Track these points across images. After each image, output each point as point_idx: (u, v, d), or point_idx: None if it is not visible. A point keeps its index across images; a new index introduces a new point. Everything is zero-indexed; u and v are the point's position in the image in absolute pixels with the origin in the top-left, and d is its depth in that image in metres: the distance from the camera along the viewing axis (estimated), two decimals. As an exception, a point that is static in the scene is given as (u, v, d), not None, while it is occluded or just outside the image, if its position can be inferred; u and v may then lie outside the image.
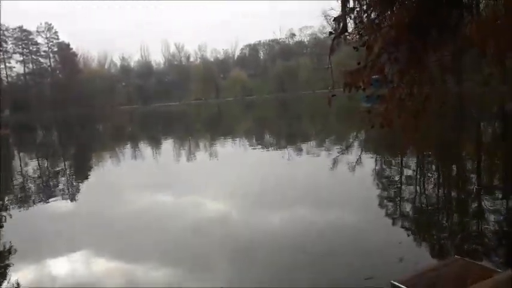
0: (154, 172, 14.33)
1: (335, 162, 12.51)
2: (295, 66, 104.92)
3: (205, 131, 32.01)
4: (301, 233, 6.79)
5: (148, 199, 10.35)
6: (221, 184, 11.19)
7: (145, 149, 21.61)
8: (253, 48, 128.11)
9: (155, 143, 24.27)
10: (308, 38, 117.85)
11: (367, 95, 3.55)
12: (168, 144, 23.01)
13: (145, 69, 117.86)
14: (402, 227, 6.69)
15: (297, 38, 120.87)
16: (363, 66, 3.04)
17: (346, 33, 3.15)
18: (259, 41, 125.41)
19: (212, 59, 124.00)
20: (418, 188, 9.23)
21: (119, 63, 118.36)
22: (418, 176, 10.37)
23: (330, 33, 3.22)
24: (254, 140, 21.85)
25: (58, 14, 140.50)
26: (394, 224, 6.89)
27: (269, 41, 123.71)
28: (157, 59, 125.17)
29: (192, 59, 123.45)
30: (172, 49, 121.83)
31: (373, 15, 3.07)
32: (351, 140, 18.77)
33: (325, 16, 76.51)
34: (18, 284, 5.58)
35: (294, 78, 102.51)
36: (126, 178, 13.57)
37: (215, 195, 10.03)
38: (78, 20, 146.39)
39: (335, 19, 3.12)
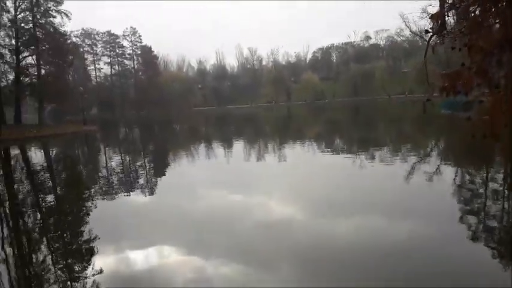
0: (225, 171, 14.68)
1: (410, 171, 11.80)
2: (370, 69, 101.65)
3: (275, 133, 32.17)
4: (368, 244, 6.49)
5: (219, 197, 10.61)
6: (288, 187, 11.13)
7: (218, 149, 22.25)
8: (326, 51, 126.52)
9: (227, 144, 24.91)
10: (384, 41, 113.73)
11: (463, 101, 3.24)
12: (239, 145, 23.49)
13: (220, 72, 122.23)
14: (488, 248, 6.07)
15: (372, 41, 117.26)
16: (465, 68, 2.75)
17: (445, 32, 2.88)
18: (333, 44, 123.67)
19: (284, 63, 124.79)
20: (506, 204, 8.35)
21: (196, 66, 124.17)
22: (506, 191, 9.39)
23: (426, 31, 2.97)
24: (324, 144, 21.48)
25: (138, 16, 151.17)
26: (476, 244, 6.28)
27: (343, 44, 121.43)
28: (231, 62, 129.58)
29: (264, 63, 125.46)
30: (246, 53, 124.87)
31: (477, 12, 2.78)
32: (429, 148, 17.65)
33: (402, 18, 73.03)
34: (101, 269, 5.99)
35: (368, 82, 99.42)
36: (199, 176, 14.06)
37: (282, 197, 9.99)
38: (155, 22, 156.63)
39: (432, 16, 2.86)
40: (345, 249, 6.33)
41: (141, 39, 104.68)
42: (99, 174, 16.45)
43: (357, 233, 7.07)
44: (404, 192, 9.73)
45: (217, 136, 32.55)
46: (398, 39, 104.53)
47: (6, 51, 48.81)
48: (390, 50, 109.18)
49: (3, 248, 7.44)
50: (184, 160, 18.45)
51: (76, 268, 6.27)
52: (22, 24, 49.19)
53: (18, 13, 48.47)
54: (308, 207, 8.98)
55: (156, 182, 13.56)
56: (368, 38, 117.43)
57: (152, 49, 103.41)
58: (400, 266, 5.59)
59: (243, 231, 7.52)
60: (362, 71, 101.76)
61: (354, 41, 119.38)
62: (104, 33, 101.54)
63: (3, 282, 5.72)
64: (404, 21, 76.74)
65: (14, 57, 48.72)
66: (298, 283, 5.33)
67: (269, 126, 43.25)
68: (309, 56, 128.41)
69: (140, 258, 6.50)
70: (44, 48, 50.29)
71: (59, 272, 6.08)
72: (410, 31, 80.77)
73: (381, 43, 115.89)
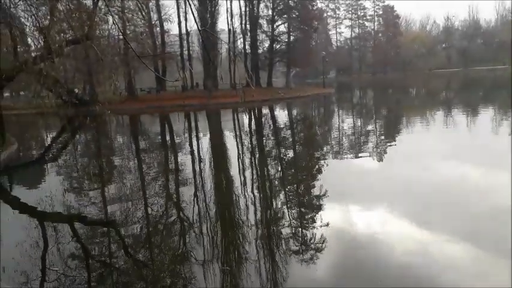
0: (463, 144, 13.13)
1: None
2: None
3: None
4: None
5: (453, 171, 9.66)
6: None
7: (458, 116, 19.92)
8: None
9: (471, 111, 21.97)
10: None
11: None
12: (486, 115, 20.27)
13: (472, 29, 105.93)
14: None
15: None
16: None
17: None
18: None
19: None
20: None
21: (441, 24, 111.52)
22: None
23: None
24: None
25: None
26: None
27: None
28: (487, 17, 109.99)
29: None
30: (509, 4, 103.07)
31: None
32: None
33: None
34: (328, 223, 6.59)
35: None
36: (432, 145, 13.08)
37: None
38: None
39: None
40: None
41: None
42: (332, 135, 17.56)
43: None
44: None
45: (458, 102, 29.04)
46: None
47: (264, 22, 56.28)
48: None
49: (252, 191, 9.11)
50: (417, 127, 17.41)
51: (306, 218, 7.12)
52: (278, -5, 55.16)
53: (275, -16, 54.44)
54: None
55: (385, 147, 13.43)
56: None
57: (394, 8, 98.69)
58: None
59: (478, 213, 6.72)
60: None
61: None
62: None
63: (258, 216, 7.08)
64: None
65: (270, 26, 55.73)
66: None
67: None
68: None
69: (363, 220, 6.78)
70: (294, 15, 55.29)
71: (293, 220, 7.03)
72: None
73: None
